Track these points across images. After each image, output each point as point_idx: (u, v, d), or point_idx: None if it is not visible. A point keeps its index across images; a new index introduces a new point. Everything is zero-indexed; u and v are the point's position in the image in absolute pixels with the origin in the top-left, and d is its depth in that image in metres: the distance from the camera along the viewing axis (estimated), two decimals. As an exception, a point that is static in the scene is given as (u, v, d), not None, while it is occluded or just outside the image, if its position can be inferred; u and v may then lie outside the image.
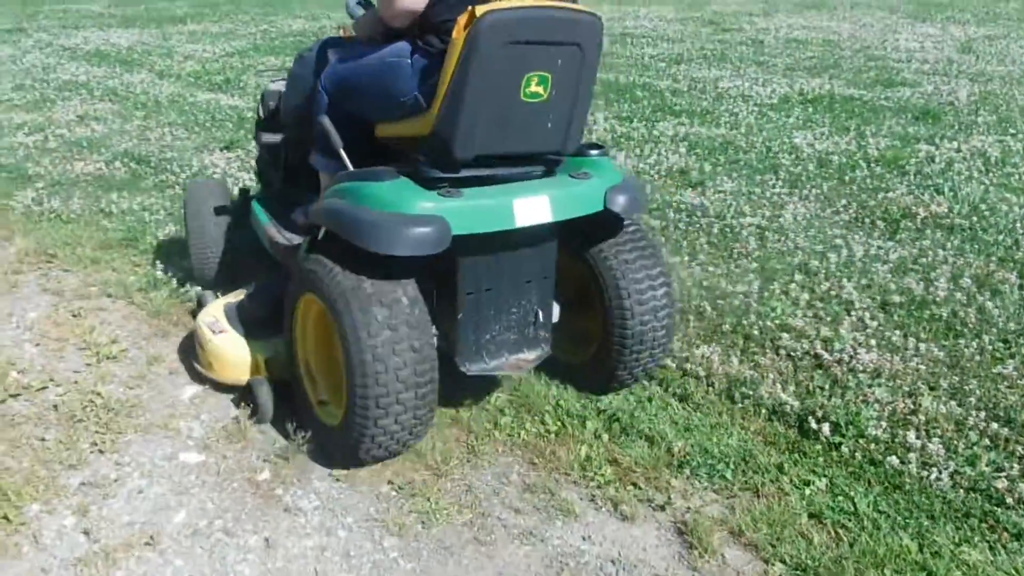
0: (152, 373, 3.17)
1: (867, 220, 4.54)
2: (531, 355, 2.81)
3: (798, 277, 3.83)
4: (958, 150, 5.68)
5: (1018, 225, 4.43)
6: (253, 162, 4.33)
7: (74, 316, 3.62)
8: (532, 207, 2.52)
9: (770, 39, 10.01)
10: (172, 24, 11.87)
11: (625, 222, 2.82)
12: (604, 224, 2.78)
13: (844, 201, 4.78)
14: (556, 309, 2.86)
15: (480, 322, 2.69)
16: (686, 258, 4.06)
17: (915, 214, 4.55)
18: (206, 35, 10.86)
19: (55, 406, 2.96)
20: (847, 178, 5.15)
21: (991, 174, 5.28)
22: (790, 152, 5.60)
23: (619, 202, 2.67)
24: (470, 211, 2.44)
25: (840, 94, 7.19)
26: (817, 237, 4.31)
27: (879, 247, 4.18)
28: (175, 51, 9.70)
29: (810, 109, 6.69)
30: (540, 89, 2.45)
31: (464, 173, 2.52)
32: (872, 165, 5.35)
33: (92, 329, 3.48)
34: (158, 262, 4.06)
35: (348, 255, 2.44)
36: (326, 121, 2.72)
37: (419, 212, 2.38)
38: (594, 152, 2.83)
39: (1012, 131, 6.21)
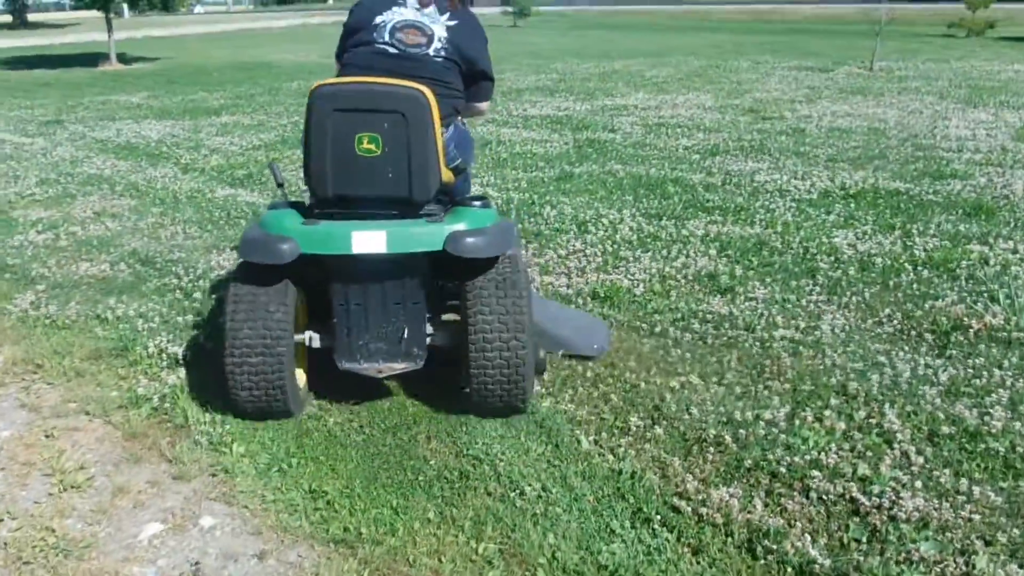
0: (114, 506, 2.96)
1: (913, 333, 4.18)
2: (400, 365, 3.46)
3: (834, 402, 3.48)
4: (1014, 251, 5.30)
5: (1083, 339, 4.03)
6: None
7: (47, 437, 3.43)
8: (368, 239, 3.19)
9: (812, 127, 9.73)
10: (206, 116, 11.94)
11: (496, 262, 3.30)
12: (473, 264, 3.28)
13: (888, 310, 4.43)
14: (428, 329, 3.49)
15: (352, 329, 3.42)
16: (712, 378, 3.73)
17: (967, 326, 4.19)
18: (237, 127, 10.88)
19: (5, 543, 2.74)
20: (891, 283, 4.80)
21: (1051, 279, 4.90)
22: (829, 253, 5.26)
23: (460, 244, 3.20)
24: (315, 235, 3.21)
25: (885, 188, 6.85)
26: (857, 353, 3.96)
27: (927, 365, 3.82)
28: (203, 144, 9.70)
29: (852, 205, 6.36)
30: (372, 146, 3.16)
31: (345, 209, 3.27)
32: (919, 268, 4.99)
33: (62, 453, 3.29)
34: (143, 376, 3.86)
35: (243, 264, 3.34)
36: (273, 165, 3.71)
37: (278, 232, 3.23)
38: (477, 203, 3.46)
39: (1074, 229, 5.81)
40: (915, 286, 4.76)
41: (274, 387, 3.29)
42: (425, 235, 3.23)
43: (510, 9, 39.11)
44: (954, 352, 3.96)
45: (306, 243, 3.19)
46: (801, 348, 4.01)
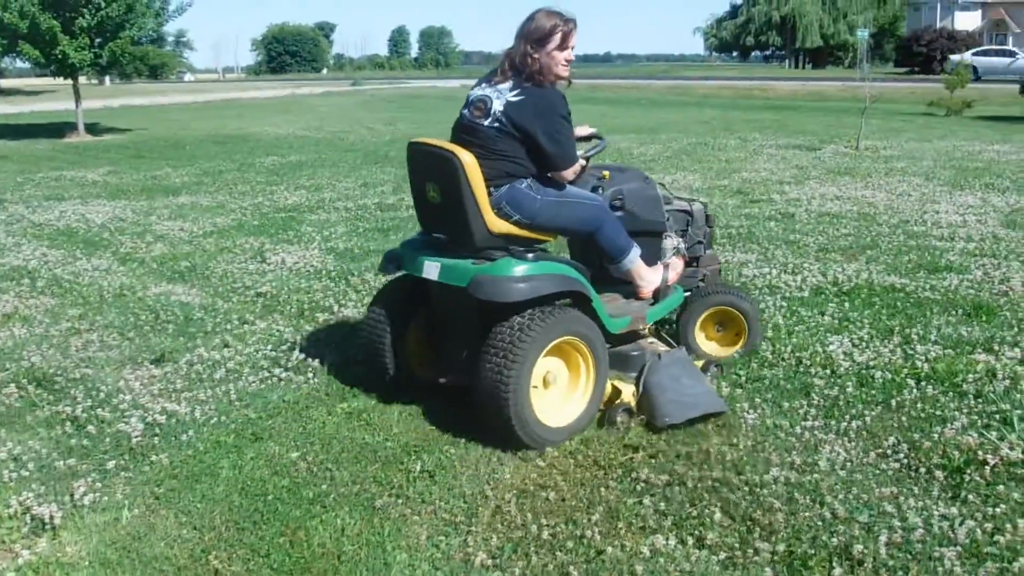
0: None
1: (923, 470, 3.58)
2: (459, 378, 4.09)
3: (837, 571, 2.86)
4: (1022, 361, 4.69)
5: (1114, 478, 3.41)
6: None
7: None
8: (430, 267, 3.98)
9: (801, 212, 9.17)
10: (164, 195, 11.23)
11: (523, 309, 3.78)
12: (494, 306, 3.79)
13: (892, 438, 3.83)
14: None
15: (438, 339, 4.35)
16: (692, 539, 3.10)
17: (982, 460, 3.57)
18: (194, 209, 10.13)
19: None
20: (894, 403, 4.21)
21: (1066, 394, 4.30)
22: (824, 365, 4.67)
23: (476, 285, 3.77)
24: (409, 258, 4.11)
25: (879, 283, 6.27)
26: (861, 499, 3.35)
27: (941, 516, 3.21)
28: (150, 228, 8.96)
29: (846, 304, 5.77)
30: (435, 194, 3.99)
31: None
32: (923, 383, 4.40)
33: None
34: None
35: None
36: None
37: (396, 251, 4.28)
38: (529, 255, 3.91)
39: (1080, 331, 5.22)
40: (919, 406, 4.16)
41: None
42: (462, 271, 3.87)
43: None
44: (970, 496, 3.35)
45: (407, 264, 4.13)
46: (796, 494, 3.39)
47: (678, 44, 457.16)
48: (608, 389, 4.17)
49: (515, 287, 3.74)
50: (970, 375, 4.47)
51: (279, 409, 4.34)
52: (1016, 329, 5.26)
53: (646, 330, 4.63)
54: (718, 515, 3.25)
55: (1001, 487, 3.40)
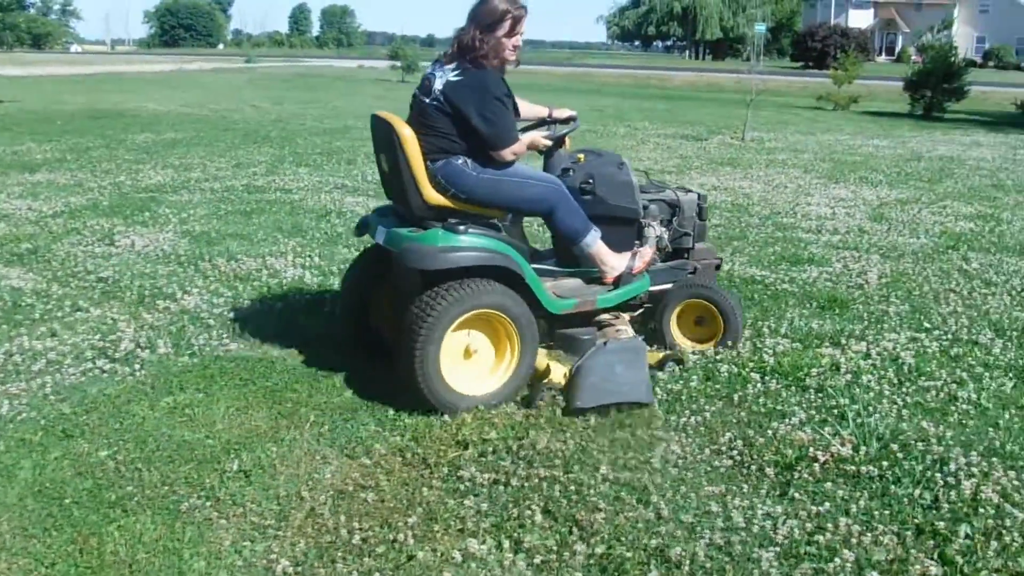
0: None
1: (753, 467, 3.55)
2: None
3: (652, 574, 2.78)
4: (867, 355, 4.77)
5: (937, 474, 3.44)
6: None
7: None
8: (380, 233, 4.24)
9: (676, 203, 9.18)
10: (20, 172, 10.57)
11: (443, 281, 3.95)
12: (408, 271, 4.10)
13: (729, 435, 3.80)
14: None
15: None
16: (509, 541, 2.99)
17: (813, 457, 3.56)
18: (49, 187, 9.56)
19: None
20: (736, 397, 4.20)
21: (904, 387, 4.37)
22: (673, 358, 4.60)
23: (402, 251, 4.02)
24: (372, 222, 4.36)
25: (741, 275, 6.31)
26: (688, 498, 3.30)
27: (765, 515, 3.18)
28: None
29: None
30: (386, 166, 4.26)
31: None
32: (767, 378, 4.40)
33: None
34: None
35: None
36: None
37: (365, 217, 4.57)
38: (461, 227, 4.02)
39: (927, 325, 5.33)
40: (761, 401, 4.15)
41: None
42: (398, 239, 4.10)
43: (398, 64, 38.04)
44: (797, 494, 3.33)
45: (371, 229, 4.35)
46: (623, 493, 3.32)
47: (584, 32, 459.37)
48: (543, 367, 4.24)
49: (436, 256, 3.94)
50: (814, 369, 4.49)
51: (97, 404, 4.07)
52: (865, 323, 5.33)
53: (621, 316, 4.67)
54: (539, 516, 3.15)
55: (829, 484, 3.40)
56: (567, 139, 4.79)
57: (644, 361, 4.25)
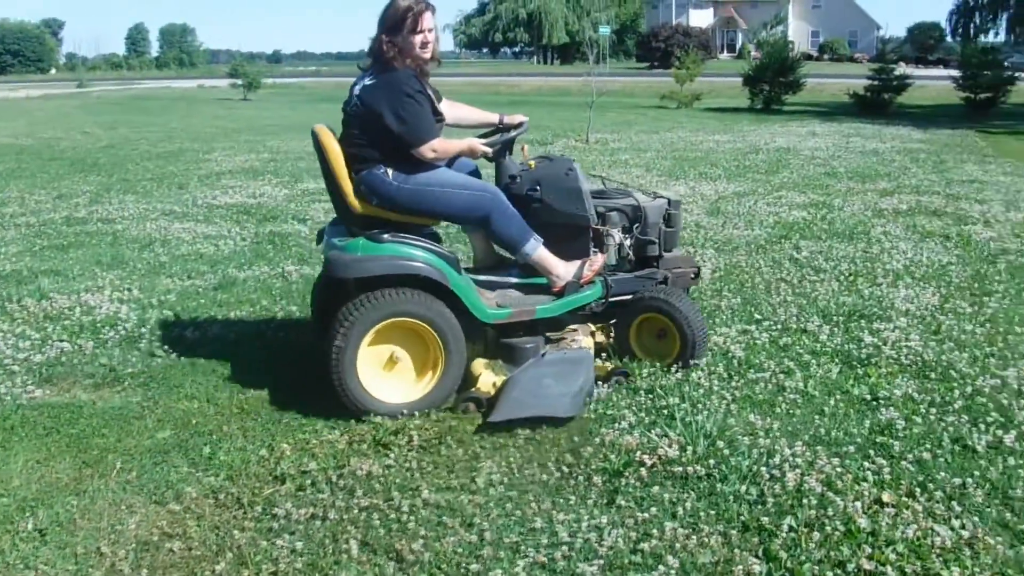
0: None
1: (581, 477, 3.49)
2: None
3: (467, 603, 2.67)
4: (697, 351, 4.78)
5: (763, 468, 3.45)
6: None
7: None
8: (325, 240, 4.42)
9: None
10: None
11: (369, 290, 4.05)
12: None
13: (557, 447, 3.74)
14: None
15: None
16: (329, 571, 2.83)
17: (640, 461, 3.53)
18: None
19: None
20: (567, 405, 4.12)
21: (734, 381, 4.41)
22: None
23: (327, 260, 4.19)
24: (327, 232, 4.48)
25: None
26: (513, 517, 3.21)
27: (591, 526, 3.12)
28: None
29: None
30: (324, 178, 4.35)
31: None
32: (597, 382, 4.34)
33: None
34: None
35: None
36: None
37: (323, 227, 4.65)
38: (385, 236, 4.11)
39: (757, 316, 5.45)
40: (593, 407, 4.10)
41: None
42: (329, 247, 4.27)
43: (238, 82, 37.17)
44: (623, 501, 3.28)
45: (324, 239, 4.45)
46: (446, 518, 3.20)
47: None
48: (478, 375, 4.27)
49: (351, 266, 4.08)
50: (644, 371, 4.48)
51: None
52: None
53: (586, 326, 4.67)
54: (356, 550, 3.00)
55: (656, 488, 3.37)
56: (525, 148, 4.78)
57: (582, 374, 4.19)
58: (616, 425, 3.88)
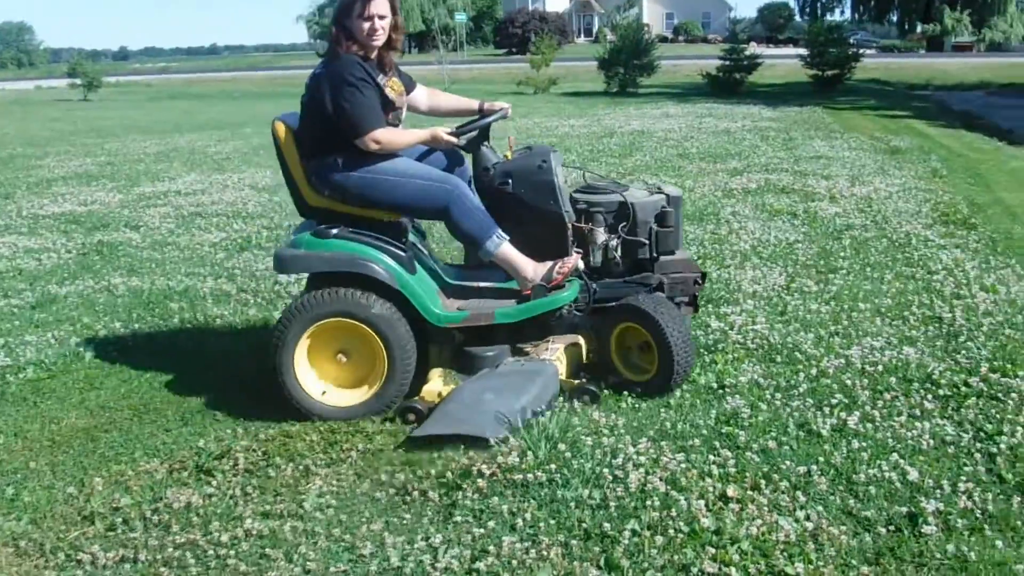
0: None
1: (416, 493, 3.30)
2: None
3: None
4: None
5: (606, 469, 3.35)
6: None
7: None
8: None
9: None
10: None
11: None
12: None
13: (391, 461, 3.56)
14: None
15: None
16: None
17: (479, 472, 3.36)
18: None
19: None
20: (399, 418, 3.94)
21: (579, 378, 4.27)
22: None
23: (276, 253, 4.13)
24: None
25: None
26: (342, 542, 3.01)
27: (426, 546, 2.95)
28: None
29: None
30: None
31: None
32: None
33: None
34: None
35: None
36: None
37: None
38: (333, 231, 3.98)
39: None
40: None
41: None
42: (288, 241, 4.18)
43: (77, 81, 35.42)
44: (460, 517, 3.12)
45: None
46: (268, 549, 2.97)
47: (288, 33, 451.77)
48: (431, 382, 4.05)
49: (290, 261, 4.05)
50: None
51: None
52: (547, 312, 5.27)
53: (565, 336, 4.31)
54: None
55: (495, 499, 3.22)
56: (512, 138, 4.51)
57: (532, 390, 3.83)
58: (456, 433, 3.72)
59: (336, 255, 3.96)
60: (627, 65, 26.30)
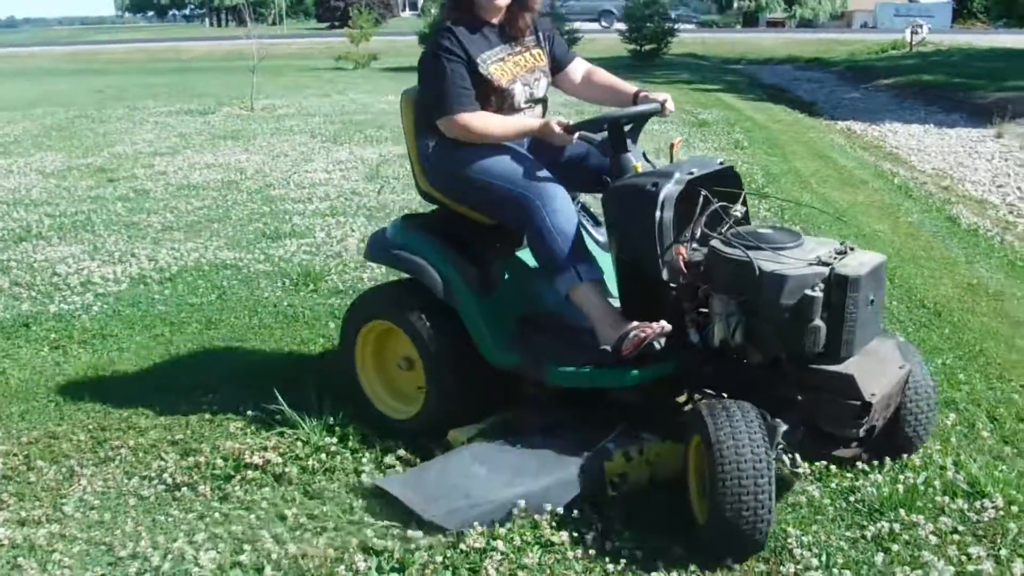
0: None
1: (186, 488, 3.26)
2: None
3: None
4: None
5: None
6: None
7: None
8: None
9: (159, 187, 8.60)
10: None
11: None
12: None
13: (165, 454, 3.48)
14: None
15: None
16: None
17: (250, 463, 3.36)
18: None
19: None
20: (186, 406, 3.86)
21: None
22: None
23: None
24: None
25: (212, 261, 5.98)
26: (101, 545, 2.95)
27: (188, 542, 2.91)
28: None
29: (168, 290, 5.38)
30: None
31: None
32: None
33: None
34: None
35: None
36: None
37: None
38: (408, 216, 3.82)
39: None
40: (208, 410, 3.87)
41: None
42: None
43: None
44: (231, 508, 3.11)
45: None
46: (21, 558, 2.87)
47: (93, 5, 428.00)
48: None
49: (369, 247, 3.77)
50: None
51: None
52: (343, 296, 5.25)
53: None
54: None
55: (267, 489, 3.22)
56: (678, 142, 3.78)
57: (541, 480, 3.03)
58: (232, 426, 3.69)
59: (400, 252, 3.51)
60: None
